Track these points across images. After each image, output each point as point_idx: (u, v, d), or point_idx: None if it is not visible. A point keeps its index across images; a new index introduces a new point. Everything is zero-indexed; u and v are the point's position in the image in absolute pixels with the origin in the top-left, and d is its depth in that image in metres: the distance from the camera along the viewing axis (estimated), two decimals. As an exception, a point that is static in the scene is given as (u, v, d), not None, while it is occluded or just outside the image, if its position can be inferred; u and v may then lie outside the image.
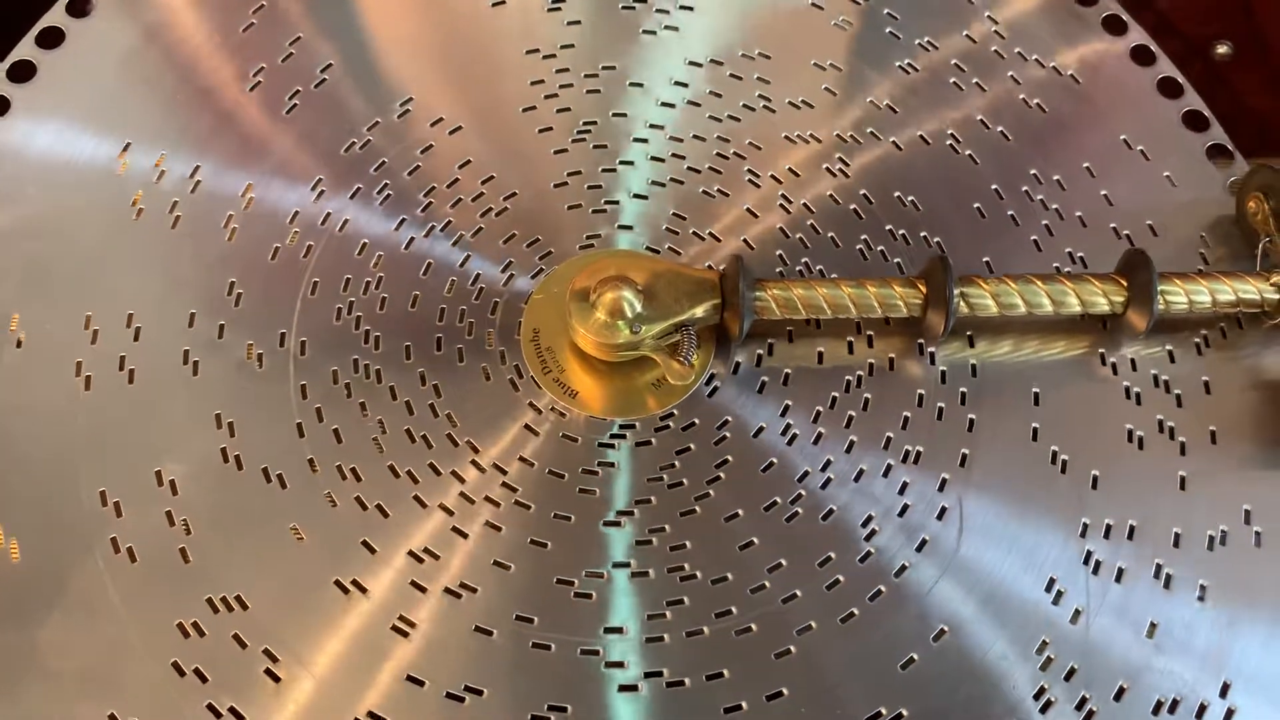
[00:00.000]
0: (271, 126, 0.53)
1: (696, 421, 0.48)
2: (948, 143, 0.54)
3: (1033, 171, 0.53)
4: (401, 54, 0.55)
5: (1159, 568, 0.46)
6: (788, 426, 0.48)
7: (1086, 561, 0.46)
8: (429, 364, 0.48)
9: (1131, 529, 0.46)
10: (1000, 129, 0.54)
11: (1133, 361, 0.49)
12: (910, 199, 0.52)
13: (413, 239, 0.51)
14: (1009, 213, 0.52)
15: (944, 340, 0.48)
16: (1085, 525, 0.46)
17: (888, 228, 0.51)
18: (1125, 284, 0.48)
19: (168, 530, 0.46)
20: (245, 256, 0.50)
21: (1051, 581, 0.45)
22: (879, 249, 0.51)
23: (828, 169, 0.53)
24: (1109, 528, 0.46)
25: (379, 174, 0.52)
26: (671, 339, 0.47)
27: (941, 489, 0.47)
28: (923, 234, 0.51)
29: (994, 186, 0.53)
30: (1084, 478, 0.47)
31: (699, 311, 0.47)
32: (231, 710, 0.43)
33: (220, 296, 0.50)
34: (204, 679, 0.43)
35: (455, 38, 0.56)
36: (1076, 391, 0.49)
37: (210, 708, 0.43)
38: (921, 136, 0.54)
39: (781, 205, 0.52)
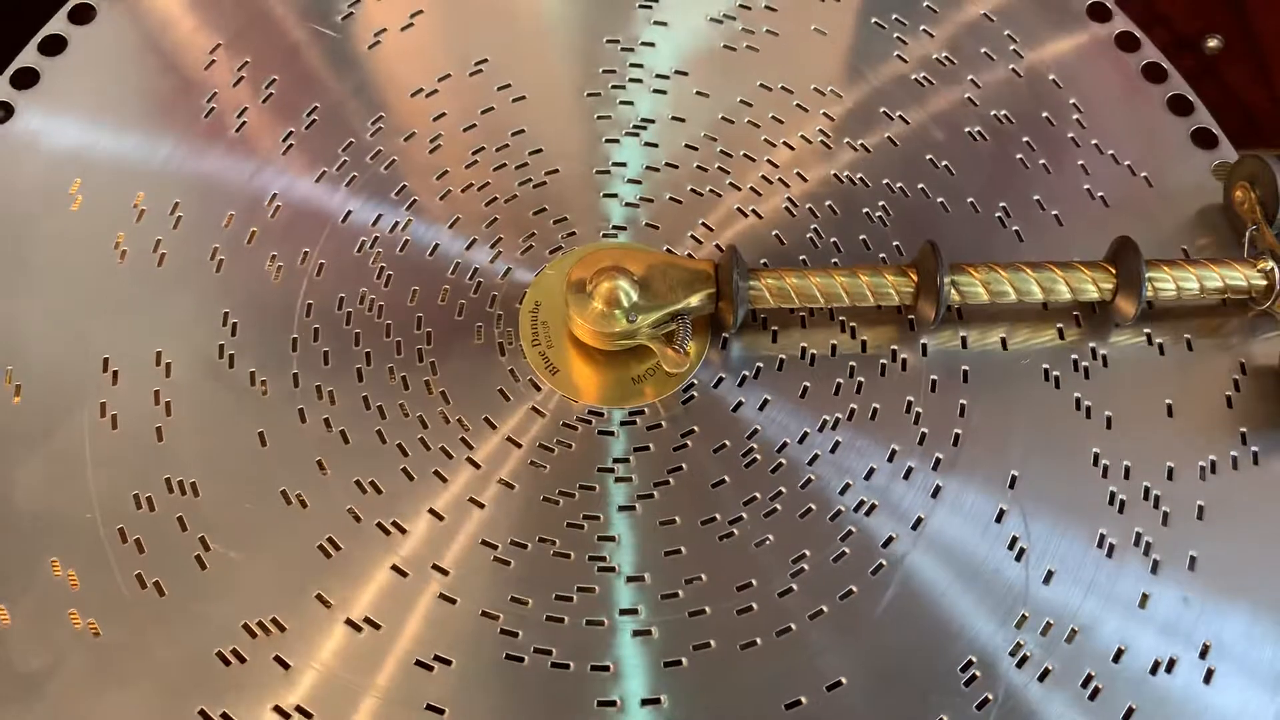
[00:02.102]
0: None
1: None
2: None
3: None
4: (485, 16, 0.57)
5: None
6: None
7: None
8: (430, 339, 0.50)
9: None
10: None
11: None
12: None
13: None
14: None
15: (936, 327, 0.49)
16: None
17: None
18: (1114, 271, 0.48)
19: (151, 407, 0.48)
20: (286, 177, 0.53)
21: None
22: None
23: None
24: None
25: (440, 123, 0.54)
26: (667, 328, 0.48)
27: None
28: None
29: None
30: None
31: (694, 301, 0.48)
32: (156, 584, 0.45)
33: (261, 205, 0.52)
34: (141, 550, 0.46)
35: (541, 12, 0.57)
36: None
37: (139, 577, 0.45)
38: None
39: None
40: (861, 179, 0.53)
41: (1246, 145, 0.53)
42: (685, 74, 0.55)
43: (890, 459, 0.47)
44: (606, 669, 0.44)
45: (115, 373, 0.49)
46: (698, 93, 0.55)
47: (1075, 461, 0.48)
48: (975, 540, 0.46)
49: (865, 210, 0.52)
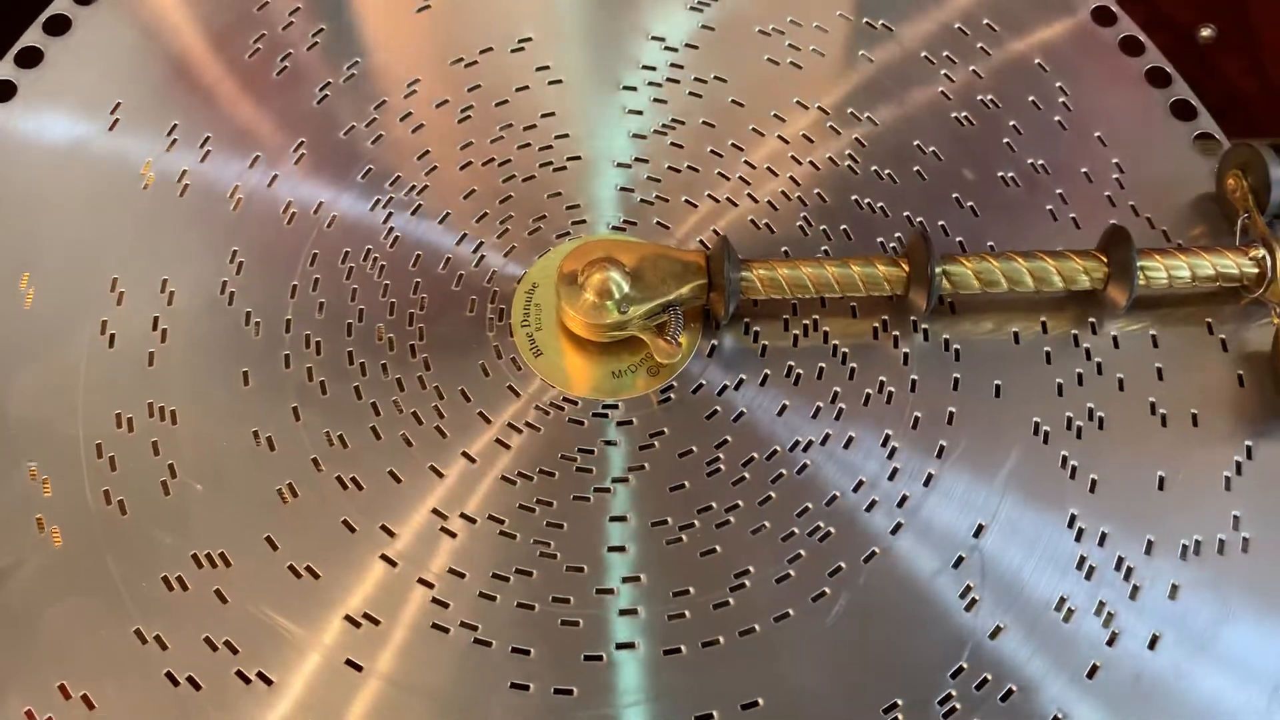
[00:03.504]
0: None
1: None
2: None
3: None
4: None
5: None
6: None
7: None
8: (424, 305, 0.50)
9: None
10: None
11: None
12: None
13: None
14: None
15: (928, 317, 0.48)
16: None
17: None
18: (1106, 260, 0.48)
19: (148, 333, 0.49)
20: (314, 129, 0.54)
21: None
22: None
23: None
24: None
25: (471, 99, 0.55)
26: (659, 319, 0.48)
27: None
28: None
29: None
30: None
31: (685, 292, 0.48)
32: (120, 503, 0.46)
33: (286, 153, 0.53)
34: (113, 468, 0.47)
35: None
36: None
37: (105, 494, 0.46)
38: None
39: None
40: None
41: (1240, 135, 0.53)
42: (724, 80, 0.55)
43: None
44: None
45: (121, 294, 0.50)
46: (733, 101, 0.55)
47: (1053, 498, 0.47)
48: (930, 576, 0.45)
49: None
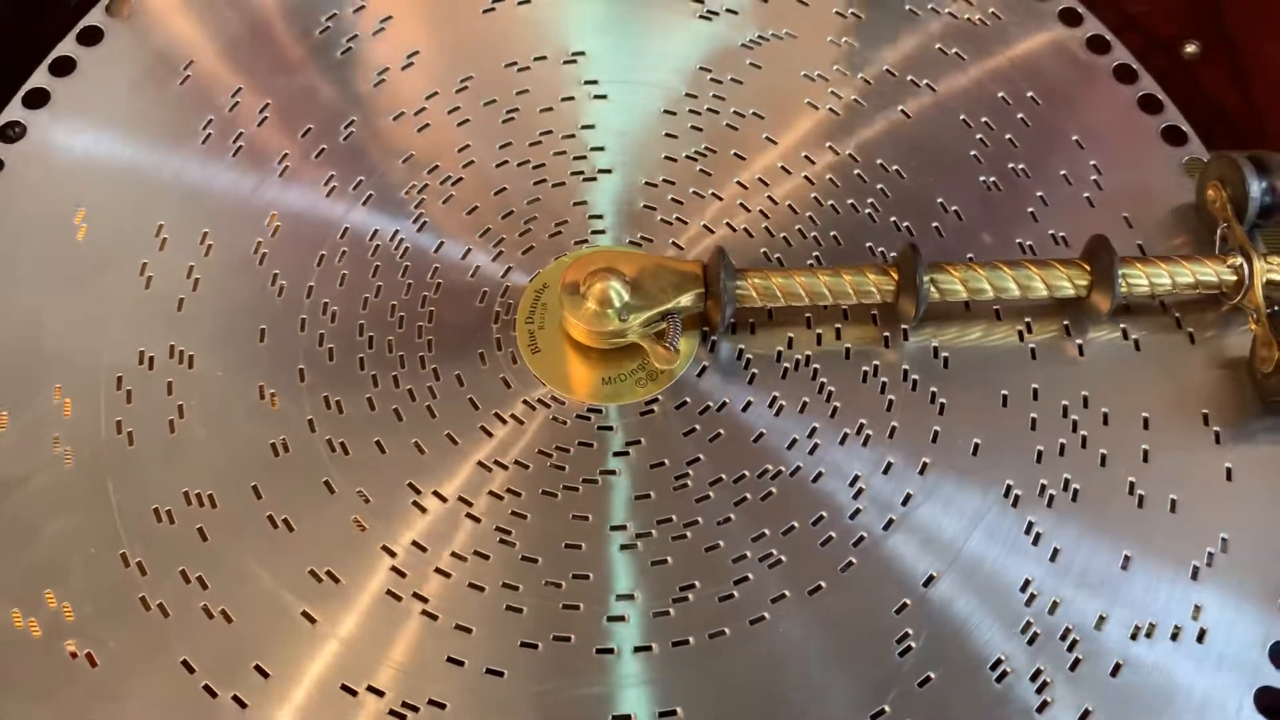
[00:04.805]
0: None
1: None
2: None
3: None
4: (599, 13, 0.60)
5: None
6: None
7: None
8: (439, 290, 0.53)
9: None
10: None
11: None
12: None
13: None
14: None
15: (916, 324, 0.50)
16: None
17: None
18: (1088, 268, 0.50)
19: (182, 280, 0.53)
20: (364, 110, 0.57)
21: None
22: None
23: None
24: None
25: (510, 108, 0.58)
26: (658, 327, 0.50)
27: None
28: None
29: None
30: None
31: (684, 300, 0.50)
32: (129, 434, 0.49)
33: (337, 128, 0.56)
34: (129, 400, 0.50)
35: (649, 25, 0.60)
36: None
37: (118, 424, 0.50)
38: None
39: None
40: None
41: (1221, 147, 0.55)
42: (762, 117, 0.57)
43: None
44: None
45: (164, 240, 0.53)
46: (768, 138, 0.56)
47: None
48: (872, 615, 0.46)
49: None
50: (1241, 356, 0.51)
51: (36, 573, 0.46)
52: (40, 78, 0.57)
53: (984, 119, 0.57)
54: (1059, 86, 0.58)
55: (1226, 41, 0.64)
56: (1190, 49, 0.65)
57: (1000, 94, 0.58)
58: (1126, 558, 0.47)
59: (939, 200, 0.55)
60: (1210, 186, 0.53)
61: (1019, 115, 0.57)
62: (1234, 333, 0.52)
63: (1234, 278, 0.50)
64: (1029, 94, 0.58)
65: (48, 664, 0.45)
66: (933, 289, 0.50)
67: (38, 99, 0.57)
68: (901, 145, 0.56)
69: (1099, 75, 0.58)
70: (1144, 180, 0.55)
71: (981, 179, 0.55)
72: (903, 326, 0.51)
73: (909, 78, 0.58)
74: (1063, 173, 0.55)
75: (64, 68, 0.58)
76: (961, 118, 0.57)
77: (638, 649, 0.45)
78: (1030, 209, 0.55)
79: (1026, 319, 0.52)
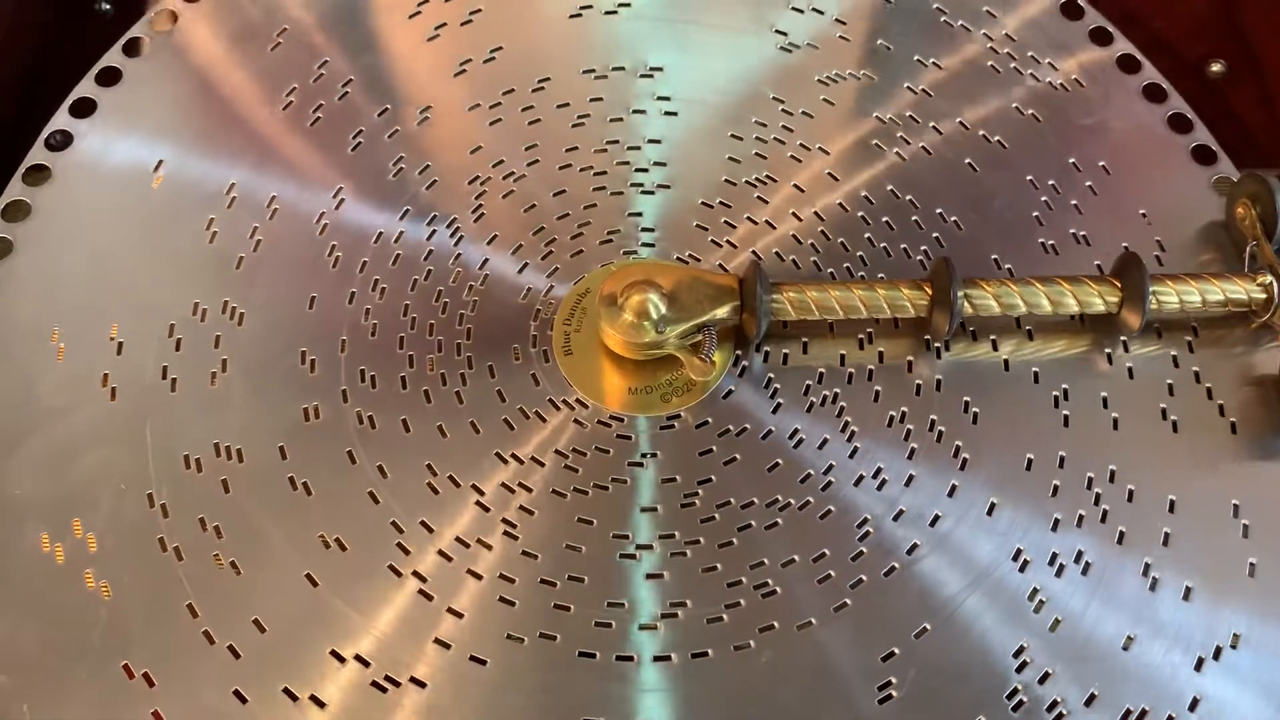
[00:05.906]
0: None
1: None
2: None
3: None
4: (682, 33, 0.61)
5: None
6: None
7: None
8: (482, 283, 0.54)
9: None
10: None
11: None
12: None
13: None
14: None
15: (950, 339, 0.51)
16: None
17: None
18: (1119, 285, 0.51)
19: (245, 239, 0.55)
20: (431, 94, 0.58)
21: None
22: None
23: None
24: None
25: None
26: (694, 339, 0.51)
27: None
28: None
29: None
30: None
31: (720, 313, 0.50)
32: (172, 380, 0.52)
33: (413, 111, 0.58)
34: (177, 349, 0.52)
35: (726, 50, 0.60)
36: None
37: (164, 369, 0.52)
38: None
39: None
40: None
41: (1249, 165, 0.56)
42: (827, 153, 0.57)
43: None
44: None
45: (233, 199, 0.55)
46: (829, 174, 0.57)
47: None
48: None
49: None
50: (1271, 374, 0.52)
51: (68, 500, 0.49)
52: (139, 29, 0.60)
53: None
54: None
55: (1252, 61, 0.65)
56: (1216, 68, 0.65)
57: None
58: (1130, 638, 0.47)
59: (992, 256, 0.55)
60: (1240, 204, 0.53)
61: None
62: (1263, 349, 0.52)
63: (1264, 295, 0.51)
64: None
65: (68, 592, 0.47)
66: (966, 304, 0.50)
67: (132, 49, 0.60)
68: (962, 196, 0.57)
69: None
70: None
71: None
72: (935, 344, 0.52)
73: (980, 133, 0.58)
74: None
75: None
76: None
77: (619, 658, 0.46)
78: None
79: (1064, 385, 0.52)
